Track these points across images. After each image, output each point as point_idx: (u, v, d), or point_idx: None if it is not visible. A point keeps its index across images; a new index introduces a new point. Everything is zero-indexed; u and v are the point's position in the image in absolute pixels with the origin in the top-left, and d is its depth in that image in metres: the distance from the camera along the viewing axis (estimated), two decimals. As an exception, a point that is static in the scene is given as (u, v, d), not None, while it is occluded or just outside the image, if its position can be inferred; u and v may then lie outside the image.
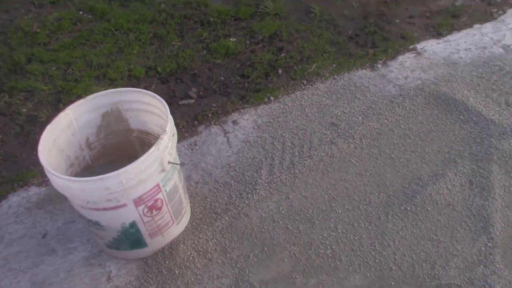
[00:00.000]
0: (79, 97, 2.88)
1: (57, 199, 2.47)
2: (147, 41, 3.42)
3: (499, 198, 2.40)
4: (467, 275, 2.12)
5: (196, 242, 2.26)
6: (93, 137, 2.28)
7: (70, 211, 2.41)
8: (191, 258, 2.20)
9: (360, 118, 2.84)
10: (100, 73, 3.13)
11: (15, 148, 2.69)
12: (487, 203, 2.37)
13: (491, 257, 2.17)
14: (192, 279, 2.13)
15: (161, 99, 2.10)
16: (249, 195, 2.44)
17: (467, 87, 3.04)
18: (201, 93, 3.05)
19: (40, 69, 3.13)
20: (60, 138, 2.09)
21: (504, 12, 3.79)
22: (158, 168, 1.94)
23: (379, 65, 3.26)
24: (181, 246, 2.23)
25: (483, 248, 2.21)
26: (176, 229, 2.25)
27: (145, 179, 1.90)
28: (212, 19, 3.64)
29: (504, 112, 2.84)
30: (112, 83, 3.04)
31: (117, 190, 1.84)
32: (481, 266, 2.15)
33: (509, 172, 2.52)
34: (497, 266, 2.14)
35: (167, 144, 1.95)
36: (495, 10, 3.82)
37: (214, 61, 3.28)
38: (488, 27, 3.65)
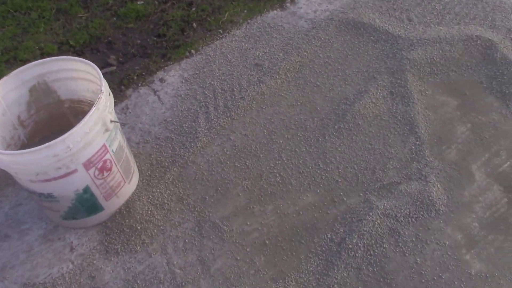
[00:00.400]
0: (-6, 83, 2.76)
1: (-3, 187, 2.40)
2: (51, 17, 3.29)
3: (418, 102, 2.63)
4: (404, 172, 2.33)
5: (151, 196, 2.30)
6: (24, 114, 2.22)
7: (14, 195, 2.35)
8: (149, 212, 2.24)
9: (281, 55, 2.95)
10: (9, 57, 3.00)
11: None
12: (409, 108, 2.60)
13: (421, 153, 2.40)
14: (155, 230, 2.18)
15: (89, 62, 2.09)
16: (192, 144, 2.50)
17: (371, 10, 3.24)
18: (120, 59, 3.02)
19: None
20: (-9, 119, 2.03)
21: None
22: (102, 128, 1.94)
23: (287, 4, 3.37)
24: (137, 203, 2.26)
25: (413, 147, 2.43)
26: (129, 188, 2.27)
27: (91, 140, 1.90)
28: (114, -15, 3.56)
29: (408, 27, 3.07)
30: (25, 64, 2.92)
31: (65, 155, 1.84)
32: (414, 163, 2.37)
33: (422, 78, 2.76)
34: (428, 159, 2.37)
35: (106, 103, 1.96)
36: None
37: (127, 26, 3.24)
38: (378, -46, 3.86)
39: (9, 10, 3.34)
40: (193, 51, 3.03)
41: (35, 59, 2.97)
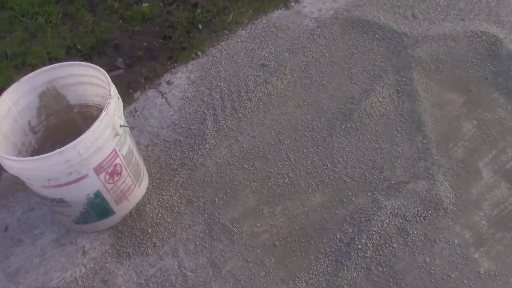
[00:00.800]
0: (3, 89, 2.79)
1: (9, 192, 2.43)
2: (58, 22, 3.32)
3: (424, 100, 2.63)
4: (411, 171, 2.35)
5: (161, 199, 2.32)
6: (34, 120, 2.25)
7: (26, 200, 2.38)
8: (160, 215, 2.27)
9: (286, 54, 2.97)
10: (18, 62, 3.03)
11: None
12: (415, 106, 2.60)
13: (428, 151, 2.41)
14: (166, 233, 2.21)
15: (97, 67, 2.11)
16: (201, 146, 2.52)
17: (375, 8, 3.24)
18: (127, 62, 3.04)
19: (-49, 70, 2.98)
20: (2, 125, 2.05)
21: None
22: (112, 133, 1.97)
23: (292, 3, 3.38)
24: (148, 206, 2.29)
25: (420, 145, 2.44)
26: (139, 192, 2.30)
27: (102, 145, 1.93)
28: (119, -12, 3.59)
29: (412, 24, 3.07)
30: (34, 69, 2.93)
31: (76, 161, 1.86)
32: (422, 161, 2.38)
33: (427, 75, 2.76)
34: (435, 158, 2.39)
35: (115, 108, 1.98)
36: None
37: (133, 28, 3.26)
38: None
39: (16, 15, 3.36)
40: (199, 53, 3.04)
41: (43, 64, 3.00)
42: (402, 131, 2.51)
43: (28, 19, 3.36)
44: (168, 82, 2.87)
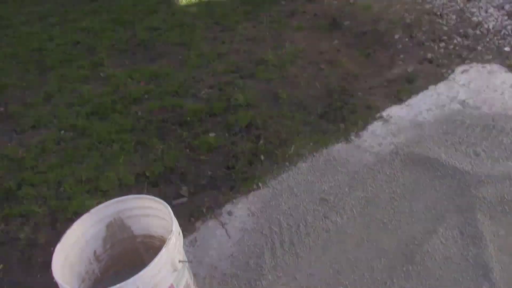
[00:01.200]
0: (75, 213, 2.97)
1: (68, 318, 2.47)
2: (131, 149, 3.56)
3: (490, 244, 2.53)
4: (479, 323, 2.20)
5: (215, 337, 2.28)
6: (100, 249, 2.34)
7: (84, 328, 2.41)
8: None
9: (346, 189, 2.99)
10: (91, 187, 3.23)
11: (19, 275, 2.71)
12: (481, 250, 2.50)
13: (497, 301, 2.27)
14: None
15: (162, 201, 2.21)
16: (258, 282, 2.50)
17: (436, 144, 3.26)
18: (191, 190, 3.17)
19: (32, 192, 3.21)
20: (70, 255, 2.15)
21: (453, 71, 4.12)
22: (170, 268, 2.01)
23: (352, 137, 3.47)
24: None
25: (487, 294, 2.31)
26: (193, 327, 2.28)
27: (160, 281, 1.96)
28: (188, 118, 3.84)
29: (475, 162, 3.05)
30: (104, 195, 3.13)
31: (135, 297, 1.90)
32: (490, 312, 2.24)
33: (493, 217, 2.68)
34: (505, 309, 2.24)
35: (175, 244, 2.04)
36: (444, 70, 4.16)
37: (199, 157, 3.43)
38: (441, 87, 3.95)
39: (94, 142, 3.65)
40: (260, 184, 3.13)
41: (113, 190, 3.19)
42: (468, 277, 2.39)
43: (104, 145, 3.64)
44: (229, 213, 2.95)
